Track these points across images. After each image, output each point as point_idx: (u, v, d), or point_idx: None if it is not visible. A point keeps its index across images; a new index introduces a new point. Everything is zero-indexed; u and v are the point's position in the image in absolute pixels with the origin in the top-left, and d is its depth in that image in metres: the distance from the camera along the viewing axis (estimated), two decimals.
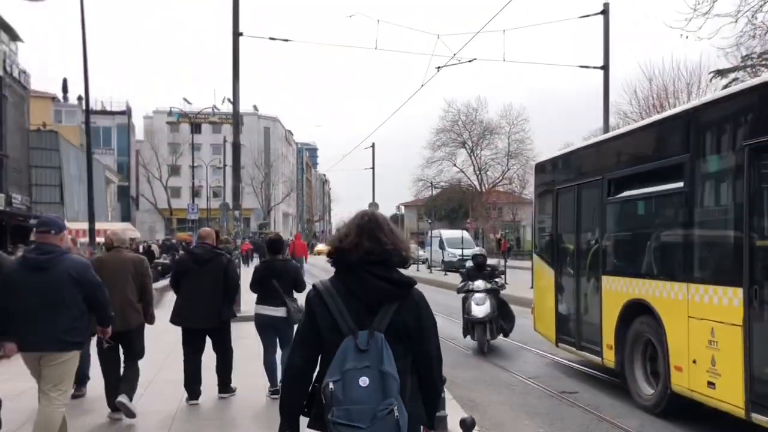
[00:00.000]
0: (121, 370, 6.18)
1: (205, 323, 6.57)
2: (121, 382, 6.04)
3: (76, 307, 4.72)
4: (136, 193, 75.38)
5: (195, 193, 51.35)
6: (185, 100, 41.49)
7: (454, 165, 68.99)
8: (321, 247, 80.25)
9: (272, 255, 7.05)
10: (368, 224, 2.65)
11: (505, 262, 27.35)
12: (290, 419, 2.64)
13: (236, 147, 13.29)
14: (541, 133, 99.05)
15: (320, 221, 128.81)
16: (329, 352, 2.51)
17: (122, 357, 6.25)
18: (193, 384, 6.63)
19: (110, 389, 6.09)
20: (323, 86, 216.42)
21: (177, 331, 6.82)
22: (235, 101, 13.08)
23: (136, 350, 6.17)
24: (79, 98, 63.03)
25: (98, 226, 22.94)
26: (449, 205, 72.00)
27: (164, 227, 74.85)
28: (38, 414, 4.72)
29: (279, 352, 6.93)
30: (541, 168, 9.93)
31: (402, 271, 2.68)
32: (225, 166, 41.80)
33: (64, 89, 59.34)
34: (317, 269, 41.34)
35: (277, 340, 6.91)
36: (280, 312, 6.68)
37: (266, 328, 6.84)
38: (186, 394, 6.67)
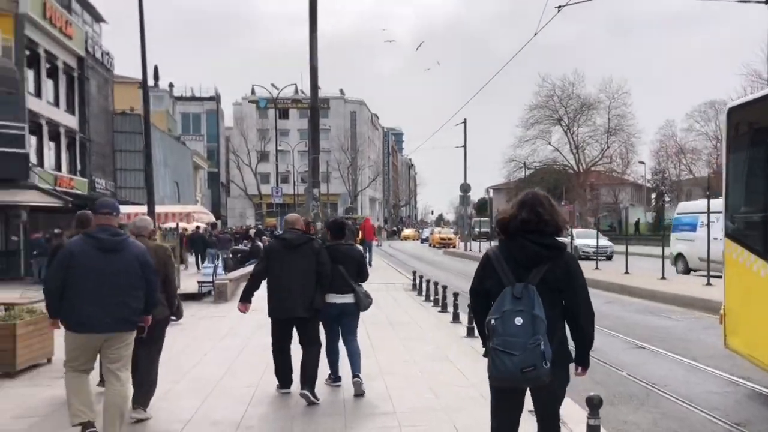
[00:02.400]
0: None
1: (297, 312, 6.09)
2: (137, 388, 5.50)
3: (140, 289, 4.83)
4: (227, 180, 75.92)
5: (281, 177, 50.49)
6: (273, 85, 40.19)
7: (549, 143, 64.70)
8: (407, 231, 79.00)
9: (335, 239, 6.62)
10: (530, 199, 3.42)
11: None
12: (486, 339, 3.41)
13: (314, 111, 11.14)
14: (640, 109, 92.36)
15: (406, 206, 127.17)
16: (494, 299, 3.32)
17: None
18: (285, 371, 6.30)
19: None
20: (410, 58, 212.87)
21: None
22: (312, 54, 10.77)
23: (157, 343, 5.70)
24: (171, 85, 63.90)
25: (181, 209, 21.30)
26: (542, 187, 67.85)
27: (254, 213, 75.23)
28: (109, 395, 4.74)
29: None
30: (739, 113, 6.82)
31: None
32: (310, 148, 40.27)
33: (155, 76, 59.54)
34: (402, 254, 39.48)
35: (340, 328, 6.52)
36: (348, 299, 6.37)
37: (333, 317, 6.42)
38: (277, 382, 6.34)
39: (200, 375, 7.11)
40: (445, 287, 12.54)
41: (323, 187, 53.95)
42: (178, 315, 6.12)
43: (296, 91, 31.66)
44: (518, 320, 3.15)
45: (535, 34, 14.31)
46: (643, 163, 62.06)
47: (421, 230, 78.00)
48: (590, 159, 63.43)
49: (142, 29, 15.06)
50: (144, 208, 15.14)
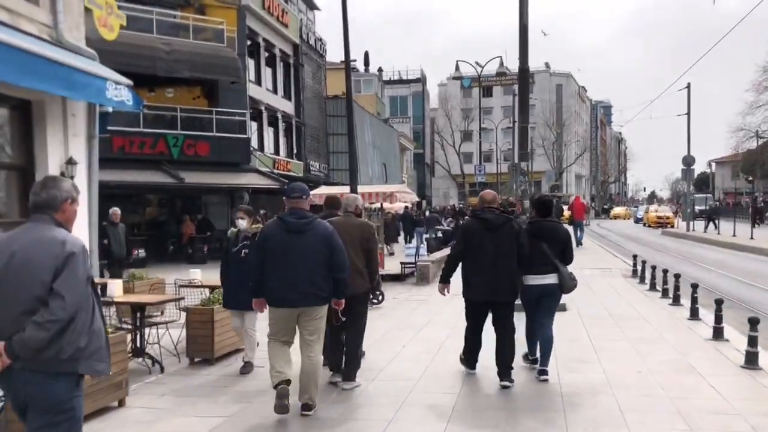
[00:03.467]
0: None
1: (498, 296, 5.91)
2: (345, 357, 5.96)
3: (326, 267, 5.04)
4: (431, 160, 76.93)
5: (484, 156, 49.53)
6: (477, 63, 39.13)
7: None
8: (618, 210, 73.50)
9: (541, 216, 6.33)
10: None
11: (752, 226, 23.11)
12: None
13: (523, 74, 9.91)
14: None
15: (615, 183, 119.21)
16: None
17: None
18: (475, 352, 6.24)
19: (332, 353, 5.99)
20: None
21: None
22: (522, 11, 9.67)
23: (357, 315, 5.95)
24: (380, 70, 65.72)
25: (385, 188, 21.29)
26: None
27: (456, 192, 75.54)
28: (303, 364, 5.11)
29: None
30: None
31: None
32: (514, 123, 38.72)
33: (366, 62, 61.88)
34: (614, 234, 36.32)
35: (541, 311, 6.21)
36: (550, 279, 6.05)
37: (531, 300, 6.18)
38: (464, 368, 6.35)
39: (395, 373, 6.44)
40: (677, 275, 10.71)
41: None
42: (376, 293, 6.45)
43: (501, 64, 30.27)
44: None
45: None
46: None
47: (634, 208, 72.22)
48: None
49: (345, 14, 14.91)
50: (347, 189, 15.10)
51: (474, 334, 6.16)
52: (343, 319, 5.65)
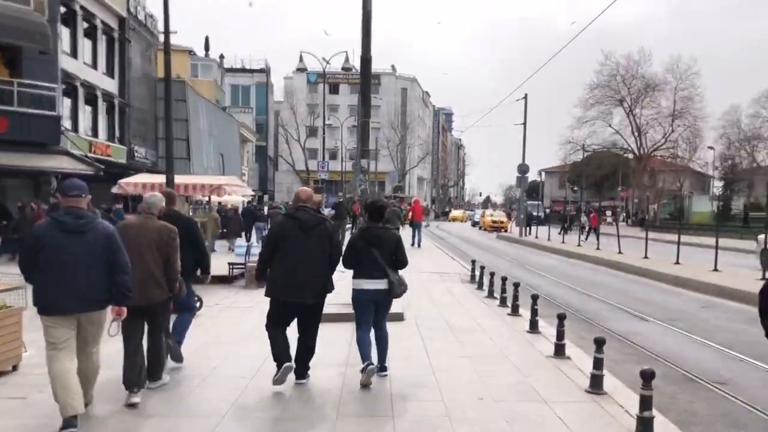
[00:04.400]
0: (144, 348, 5.46)
1: (306, 297, 5.72)
2: (148, 366, 5.46)
3: (106, 270, 4.73)
4: (275, 154, 74.90)
5: (329, 154, 48.82)
6: (324, 59, 38.08)
7: (609, 125, 61.16)
8: (456, 213, 76.65)
9: (372, 221, 6.19)
10: None
11: (597, 236, 26.90)
12: None
13: (366, 63, 9.02)
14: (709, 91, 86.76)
15: (455, 187, 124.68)
16: None
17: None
18: (284, 353, 5.72)
19: (129, 368, 5.26)
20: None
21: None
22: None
23: (156, 326, 5.58)
24: (221, 56, 62.44)
25: (211, 180, 19.51)
26: (600, 172, 64.59)
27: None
28: (80, 368, 4.79)
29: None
30: None
31: None
32: (360, 109, 38.27)
33: (206, 47, 58.52)
34: (453, 237, 37.28)
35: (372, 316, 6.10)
36: (381, 285, 5.94)
37: (366, 304, 6.00)
38: (276, 373, 5.68)
39: (196, 407, 5.14)
40: (517, 284, 10.34)
41: (371, 165, 51.79)
42: (180, 295, 5.79)
43: (346, 60, 29.62)
44: None
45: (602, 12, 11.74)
46: (712, 148, 58.20)
47: (472, 212, 75.50)
48: (652, 143, 59.74)
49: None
50: (162, 178, 13.25)
51: (278, 337, 5.76)
52: (118, 332, 4.97)
